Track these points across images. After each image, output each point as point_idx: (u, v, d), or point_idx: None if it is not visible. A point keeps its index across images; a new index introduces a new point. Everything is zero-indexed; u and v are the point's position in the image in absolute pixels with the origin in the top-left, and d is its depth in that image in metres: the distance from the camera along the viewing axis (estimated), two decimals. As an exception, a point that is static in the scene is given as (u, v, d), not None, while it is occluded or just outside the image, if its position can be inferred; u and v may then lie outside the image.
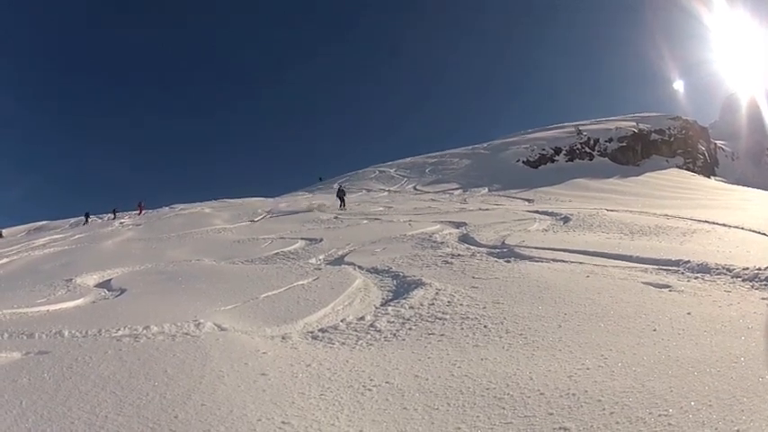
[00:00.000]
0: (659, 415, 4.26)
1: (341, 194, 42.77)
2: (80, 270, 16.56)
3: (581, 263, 11.00)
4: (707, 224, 16.60)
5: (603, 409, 4.44)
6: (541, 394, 4.85)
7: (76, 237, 34.04)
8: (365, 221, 27.13)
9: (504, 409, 4.66)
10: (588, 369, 5.37)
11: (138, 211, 59.26)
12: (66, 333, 8.24)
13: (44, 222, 67.38)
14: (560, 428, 4.20)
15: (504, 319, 7.45)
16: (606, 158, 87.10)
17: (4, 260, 23.86)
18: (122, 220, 49.40)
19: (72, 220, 63.80)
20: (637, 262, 10.71)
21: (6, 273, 19.49)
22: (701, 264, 9.66)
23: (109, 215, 61.80)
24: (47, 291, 13.16)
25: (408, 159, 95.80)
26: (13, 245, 32.95)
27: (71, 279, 14.68)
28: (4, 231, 64.66)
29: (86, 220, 58.60)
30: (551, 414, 4.46)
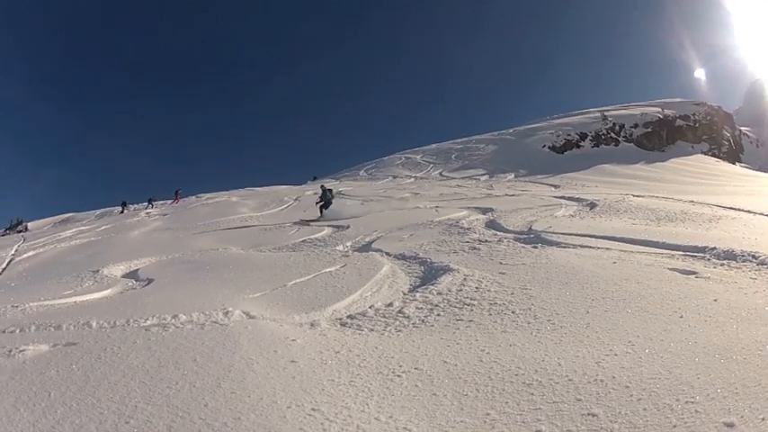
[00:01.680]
0: (686, 402, 4.24)
1: (325, 199, 29.42)
2: (107, 261, 16.64)
3: (608, 249, 10.93)
4: (732, 211, 16.40)
5: (631, 396, 4.43)
6: (570, 380, 4.85)
7: (103, 228, 34.09)
8: (390, 209, 27.04)
9: (532, 395, 4.65)
10: (616, 355, 5.36)
11: (174, 200, 59.35)
12: (94, 324, 8.20)
13: (70, 214, 67.57)
14: (588, 414, 4.19)
15: (532, 304, 7.42)
16: (632, 144, 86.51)
17: (31, 253, 23.85)
18: (148, 211, 49.39)
19: (98, 212, 64.00)
20: (663, 248, 10.61)
21: (33, 265, 19.53)
22: (727, 250, 9.57)
23: (144, 204, 61.94)
24: (74, 282, 13.21)
25: (434, 145, 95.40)
26: (39, 237, 32.87)
27: (98, 270, 14.76)
28: (30, 224, 65.09)
29: (123, 209, 58.90)
30: (579, 400, 4.45)
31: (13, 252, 24.60)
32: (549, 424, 4.13)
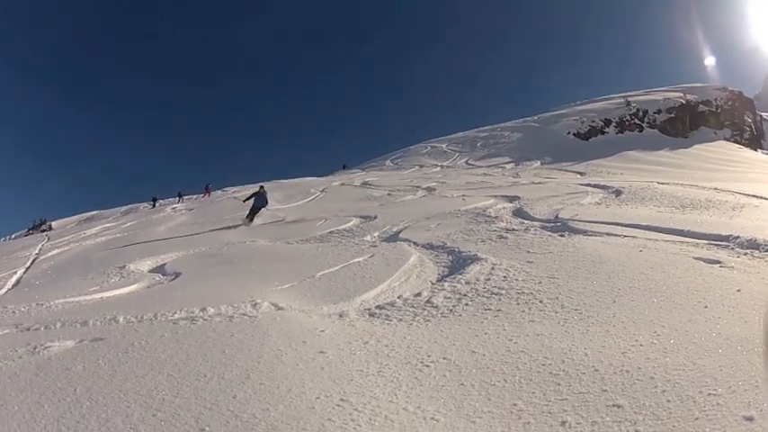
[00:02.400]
0: (708, 394, 4.25)
1: (258, 204, 26.57)
2: (133, 256, 16.76)
3: (634, 237, 10.91)
4: (755, 198, 16.38)
5: (656, 387, 4.44)
6: (596, 371, 4.86)
7: (129, 224, 34.17)
8: (418, 197, 27.04)
9: (559, 385, 4.68)
10: (641, 345, 5.37)
11: (205, 194, 59.58)
12: (121, 319, 8.23)
13: (95, 212, 68.20)
14: (614, 406, 4.21)
15: (560, 294, 7.43)
16: (655, 130, 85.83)
17: (55, 251, 23.89)
18: (174, 206, 49.58)
19: (123, 208, 64.44)
20: (688, 236, 10.57)
21: (57, 263, 19.56)
22: (750, 239, 9.53)
23: (175, 198, 62.24)
24: (100, 278, 13.32)
25: (460, 134, 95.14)
26: (64, 236, 33.02)
27: (124, 266, 14.89)
28: (54, 223, 65.56)
29: (154, 204, 59.25)
30: (605, 391, 4.47)
31: (37, 251, 24.72)
32: (575, 414, 4.16)
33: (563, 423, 4.07)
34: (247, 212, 26.07)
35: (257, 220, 25.38)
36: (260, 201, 26.72)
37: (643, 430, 3.86)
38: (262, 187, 28.27)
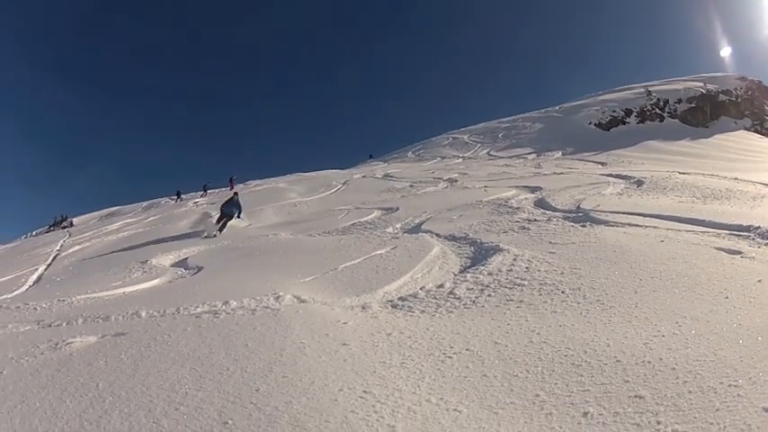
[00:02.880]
0: (729, 385, 4.24)
1: (227, 210, 23.15)
2: (155, 251, 16.85)
3: (655, 227, 10.86)
4: (775, 188, 16.16)
5: (677, 378, 4.43)
6: (618, 361, 4.86)
7: (150, 219, 34.16)
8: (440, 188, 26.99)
9: (581, 376, 4.68)
10: (663, 336, 5.35)
11: (230, 187, 59.59)
12: (144, 314, 8.26)
13: (116, 208, 68.08)
14: (636, 396, 4.21)
15: (582, 284, 7.41)
16: (676, 120, 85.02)
17: (77, 247, 23.96)
18: (196, 200, 49.48)
19: (145, 203, 64.40)
20: (709, 227, 10.50)
21: (79, 260, 19.66)
22: (771, 230, 9.45)
23: (200, 192, 62.29)
24: (122, 274, 13.42)
25: (481, 125, 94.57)
26: (85, 232, 33.04)
27: (146, 260, 15.02)
28: (75, 220, 65.70)
29: (179, 198, 59.38)
30: (627, 382, 4.46)
31: (58, 248, 24.73)
32: (597, 406, 4.16)
33: (585, 414, 4.07)
34: (217, 219, 22.90)
35: (224, 230, 21.58)
36: (229, 208, 23.20)
37: (664, 421, 3.86)
38: (236, 194, 24.83)
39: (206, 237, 20.62)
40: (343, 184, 38.27)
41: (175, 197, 61.02)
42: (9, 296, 12.52)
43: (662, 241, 9.53)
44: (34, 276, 16.38)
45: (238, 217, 23.48)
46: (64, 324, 8.23)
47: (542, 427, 3.97)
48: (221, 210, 23.36)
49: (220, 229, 21.73)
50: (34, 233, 71.14)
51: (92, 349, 6.62)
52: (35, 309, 9.74)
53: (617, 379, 4.54)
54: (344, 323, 6.82)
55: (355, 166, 73.27)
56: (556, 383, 4.60)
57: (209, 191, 61.60)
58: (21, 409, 4.94)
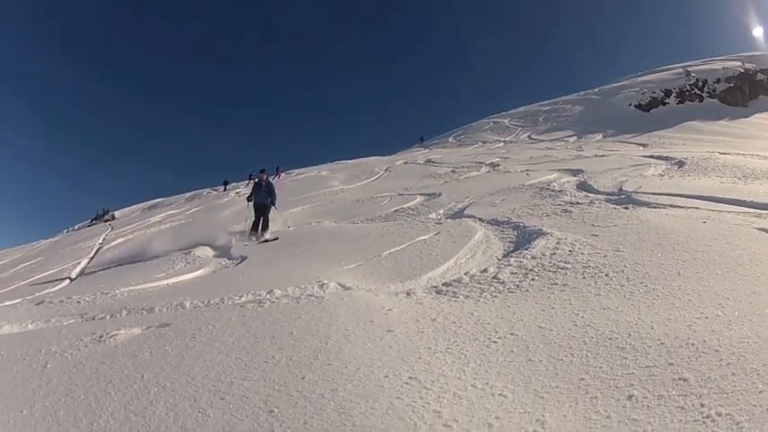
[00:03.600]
0: (772, 367, 4.17)
1: (259, 200, 18.66)
2: (198, 242, 16.83)
3: (697, 208, 10.77)
4: (815, 168, 15.90)
5: (721, 360, 4.37)
6: (662, 344, 4.81)
7: (193, 210, 34.50)
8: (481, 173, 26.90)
9: (626, 359, 4.64)
10: (707, 318, 5.28)
11: (276, 176, 59.76)
12: (188, 304, 8.27)
13: (158, 200, 68.71)
14: (680, 379, 4.16)
15: (625, 267, 7.35)
16: (715, 100, 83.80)
17: (119, 240, 24.19)
18: (238, 190, 49.70)
19: (188, 194, 64.91)
20: (751, 207, 10.39)
21: (122, 252, 19.59)
22: (813, 210, 9.27)
23: (245, 182, 62.60)
24: (165, 265, 13.49)
25: (522, 108, 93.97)
26: (128, 224, 33.22)
27: (189, 251, 15.04)
28: (117, 213, 66.28)
29: (225, 188, 59.70)
30: (671, 364, 4.42)
31: (100, 241, 24.93)
32: (642, 389, 4.12)
33: (630, 397, 4.03)
34: (252, 222, 18.32)
35: (269, 230, 17.54)
36: (261, 197, 18.64)
37: (708, 404, 3.81)
38: (266, 176, 19.77)
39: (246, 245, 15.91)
40: (386, 170, 38.05)
41: (222, 187, 61.39)
42: (52, 290, 12.64)
43: (704, 222, 9.44)
44: (77, 270, 16.52)
45: (273, 205, 18.61)
46: (108, 317, 8.28)
47: (587, 410, 3.95)
48: (254, 206, 18.48)
49: (262, 229, 17.58)
50: (76, 227, 71.82)
51: (136, 341, 6.64)
52: (78, 302, 9.77)
53: (661, 361, 4.49)
54: (389, 310, 6.81)
55: (397, 152, 73.18)
56: (600, 367, 4.57)
57: (255, 179, 61.87)
58: (65, 402, 4.96)
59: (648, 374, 4.32)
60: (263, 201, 18.46)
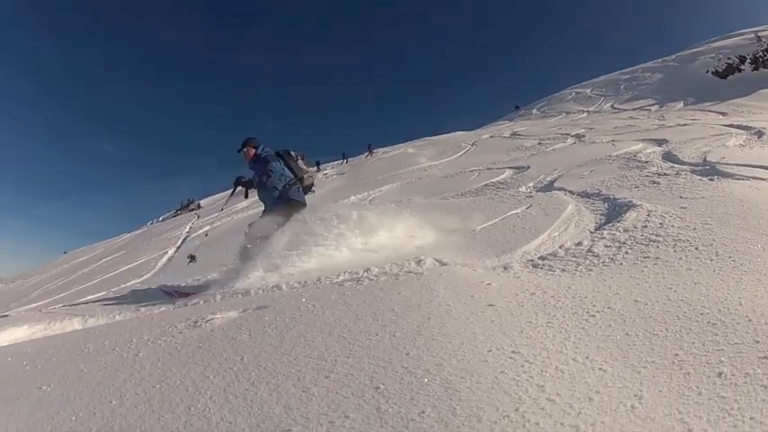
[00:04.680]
0: None
1: (294, 197, 12.29)
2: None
3: (779, 180, 10.42)
4: None
5: (806, 340, 4.33)
6: (749, 321, 4.80)
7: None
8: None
9: (716, 335, 4.64)
10: (793, 296, 5.20)
11: (368, 155, 60.00)
12: (284, 286, 8.26)
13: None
14: (765, 357, 4.16)
15: (714, 240, 7.28)
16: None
17: (206, 228, 24.29)
18: (325, 172, 49.99)
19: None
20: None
21: (210, 239, 19.52)
22: None
23: (339, 161, 63.03)
24: (255, 249, 13.53)
25: (602, 77, 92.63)
26: (213, 213, 33.17)
27: (274, 234, 15.00)
28: (203, 202, 66.94)
29: (318, 168, 60.01)
30: (758, 342, 4.41)
31: (187, 230, 25.34)
32: (731, 366, 4.13)
33: (719, 374, 4.05)
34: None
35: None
36: (296, 194, 12.55)
37: (794, 384, 3.82)
38: (288, 154, 12.66)
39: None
40: (472, 145, 37.92)
41: (315, 167, 61.85)
42: (138, 280, 12.89)
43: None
44: (164, 260, 16.88)
45: (289, 198, 12.30)
46: (201, 302, 8.43)
47: (681, 386, 3.97)
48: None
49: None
50: (161, 218, 72.64)
51: (233, 324, 6.59)
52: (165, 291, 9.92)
53: (748, 339, 4.49)
54: (488, 284, 6.80)
55: (482, 126, 72.90)
56: (693, 342, 4.59)
57: (348, 159, 62.23)
58: (159, 389, 4.94)
59: (736, 351, 4.32)
60: (298, 198, 12.67)
